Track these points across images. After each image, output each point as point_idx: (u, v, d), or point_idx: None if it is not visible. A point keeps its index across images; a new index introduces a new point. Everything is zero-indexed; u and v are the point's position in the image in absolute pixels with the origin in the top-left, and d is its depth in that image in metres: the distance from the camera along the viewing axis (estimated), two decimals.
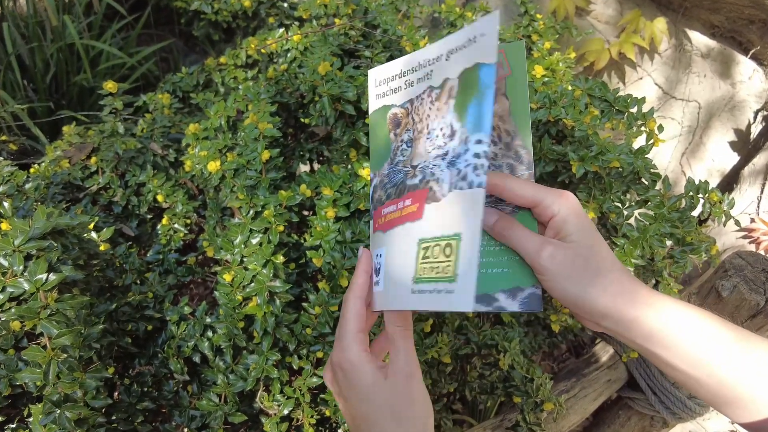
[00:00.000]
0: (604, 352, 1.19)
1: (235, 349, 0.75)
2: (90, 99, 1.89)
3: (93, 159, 0.94)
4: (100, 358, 0.69)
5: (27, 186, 0.83)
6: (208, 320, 0.78)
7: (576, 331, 1.22)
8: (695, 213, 1.48)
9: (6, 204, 0.72)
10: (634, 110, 0.84)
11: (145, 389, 0.75)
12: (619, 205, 0.83)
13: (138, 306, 0.78)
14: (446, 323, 0.91)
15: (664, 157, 1.58)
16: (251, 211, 0.77)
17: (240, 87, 0.96)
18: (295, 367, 0.77)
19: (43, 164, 0.97)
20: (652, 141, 0.83)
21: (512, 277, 0.47)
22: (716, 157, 1.60)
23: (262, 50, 0.98)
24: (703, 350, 0.40)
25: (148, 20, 2.23)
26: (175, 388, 0.77)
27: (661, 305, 0.41)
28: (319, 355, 0.77)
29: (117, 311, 0.76)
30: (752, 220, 1.40)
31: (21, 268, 0.59)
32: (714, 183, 1.63)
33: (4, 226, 0.68)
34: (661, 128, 0.84)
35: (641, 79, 1.48)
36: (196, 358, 0.76)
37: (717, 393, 0.40)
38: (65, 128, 1.15)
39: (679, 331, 0.41)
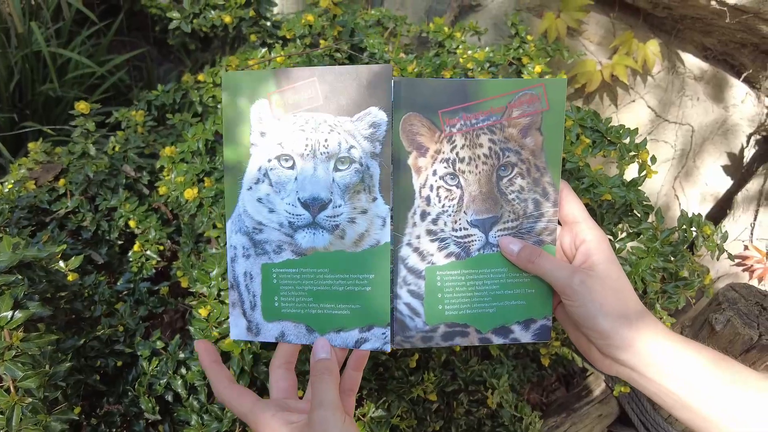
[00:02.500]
0: (595, 386, 1.21)
1: (210, 388, 0.75)
2: (56, 110, 1.88)
3: (61, 181, 0.94)
4: (66, 398, 0.68)
5: None
6: (182, 355, 0.78)
7: (565, 363, 1.24)
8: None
9: None
10: (626, 141, 0.86)
11: (114, 430, 0.75)
12: (611, 237, 0.85)
13: (107, 340, 0.77)
14: (433, 358, 0.92)
15: (656, 181, 1.63)
16: None
17: (219, 107, 0.97)
18: None
19: (7, 185, 0.97)
20: (644, 173, 0.86)
21: (527, 309, 0.53)
22: (710, 181, 1.64)
23: (243, 69, 0.99)
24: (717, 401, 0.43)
25: (120, 27, 2.23)
26: (146, 429, 0.76)
27: (683, 348, 0.45)
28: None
29: (85, 346, 0.75)
30: (746, 248, 1.45)
31: None
32: (708, 207, 1.67)
33: None
34: (654, 159, 0.87)
35: (634, 101, 1.52)
36: (169, 397, 0.76)
37: None
38: (31, 145, 1.14)
39: (695, 374, 0.44)
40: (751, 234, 1.46)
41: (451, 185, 0.51)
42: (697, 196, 1.65)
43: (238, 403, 0.49)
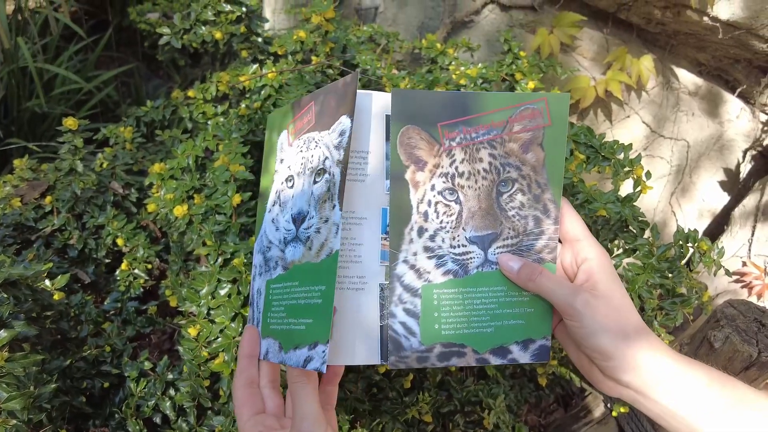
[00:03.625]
0: (593, 406, 1.22)
1: (200, 409, 0.75)
2: (42, 126, 1.89)
3: (48, 198, 0.94)
4: (50, 420, 0.68)
5: None
6: (170, 376, 0.78)
7: (563, 383, 1.24)
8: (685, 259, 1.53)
9: None
10: (620, 156, 0.88)
11: None
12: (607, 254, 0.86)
13: (94, 361, 0.77)
14: (428, 378, 0.92)
15: (653, 197, 1.65)
16: (220, 259, 0.78)
17: (209, 123, 0.98)
18: None
19: None
20: (639, 188, 0.87)
21: (526, 329, 0.52)
22: (706, 197, 1.67)
23: (226, 87, 1.01)
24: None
25: (109, 42, 2.25)
26: None
27: (686, 368, 0.46)
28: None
29: (71, 367, 0.75)
30: (744, 264, 1.46)
31: None
32: (705, 224, 1.69)
33: None
34: (648, 175, 0.89)
35: (628, 117, 1.55)
36: (157, 419, 0.76)
37: None
38: (17, 162, 1.14)
39: (700, 395, 0.45)
40: (749, 250, 1.48)
41: (450, 200, 0.52)
42: (694, 212, 1.68)
43: (239, 410, 0.49)
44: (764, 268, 1.45)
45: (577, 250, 0.50)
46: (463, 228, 0.52)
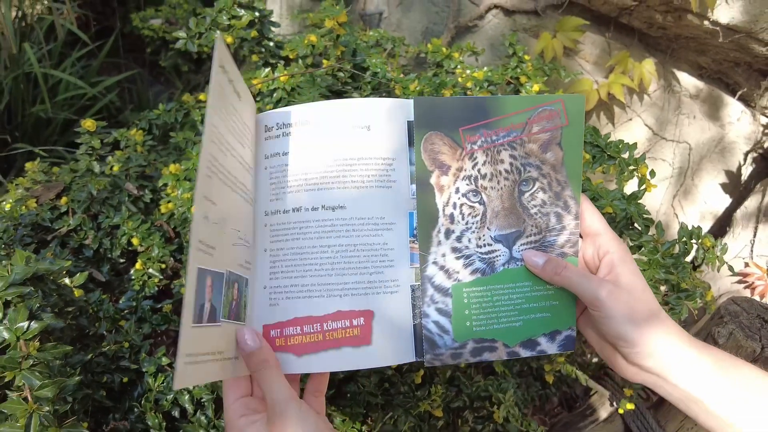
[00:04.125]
0: (599, 405, 1.25)
1: (217, 402, 0.78)
2: (47, 131, 1.92)
3: (63, 199, 0.98)
4: (73, 413, 0.71)
5: None
6: None
7: (569, 382, 1.27)
8: (689, 258, 1.57)
9: None
10: (625, 155, 0.92)
11: None
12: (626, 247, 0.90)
13: (113, 356, 0.80)
14: (437, 374, 0.95)
15: (655, 199, 1.68)
16: None
17: None
18: None
19: (5, 204, 1.00)
20: (644, 186, 0.91)
21: (552, 321, 0.56)
22: (708, 199, 1.70)
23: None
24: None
25: (111, 49, 2.29)
26: None
27: (707, 354, 0.50)
28: None
29: (91, 362, 0.78)
30: (746, 265, 1.50)
31: (0, 315, 0.62)
32: (707, 226, 1.73)
33: None
34: (653, 173, 0.93)
35: (631, 119, 1.59)
36: (176, 413, 0.79)
37: None
38: (28, 165, 1.18)
39: (718, 381, 0.49)
40: (751, 251, 1.52)
41: (474, 202, 0.55)
42: (696, 215, 1.71)
43: (225, 392, 0.53)
44: (766, 269, 1.48)
45: (598, 244, 0.54)
46: (488, 227, 0.55)
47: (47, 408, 0.59)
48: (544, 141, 0.55)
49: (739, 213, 1.59)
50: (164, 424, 0.78)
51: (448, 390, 0.93)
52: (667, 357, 0.49)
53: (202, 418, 0.77)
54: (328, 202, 0.54)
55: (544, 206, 0.55)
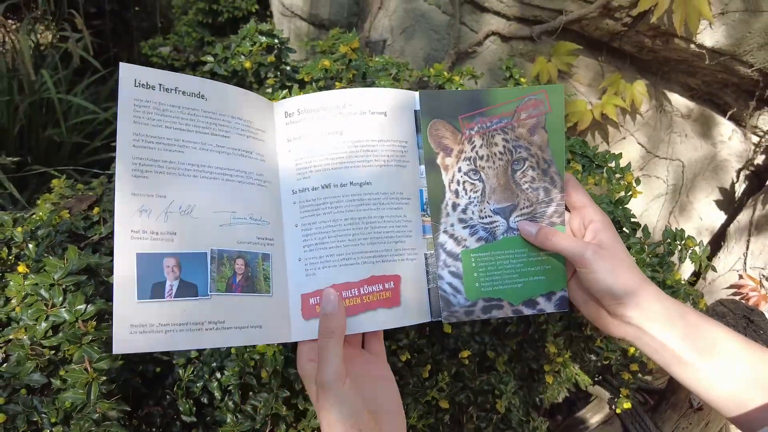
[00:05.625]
0: (598, 408, 1.35)
1: (243, 389, 0.90)
2: (59, 154, 2.06)
3: (96, 209, 1.10)
4: (115, 395, 0.82)
5: (39, 232, 0.98)
6: (214, 364, 0.93)
7: (569, 386, 1.38)
8: (689, 272, 1.70)
9: (30, 246, 0.88)
10: (612, 165, 1.05)
11: (153, 429, 0.88)
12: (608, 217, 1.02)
13: None
14: (442, 371, 1.06)
15: (652, 216, 1.82)
16: None
17: None
18: (300, 407, 0.91)
19: (41, 213, 1.13)
20: (630, 192, 1.04)
21: (547, 283, 0.68)
22: (704, 216, 1.84)
23: None
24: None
25: (113, 74, 2.45)
26: (182, 430, 0.90)
27: (683, 309, 0.61)
28: None
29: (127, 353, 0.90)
30: (740, 277, 1.62)
31: (61, 299, 0.75)
32: (704, 242, 1.86)
33: (21, 269, 0.83)
34: (638, 181, 1.06)
35: (624, 138, 1.73)
36: (204, 399, 0.90)
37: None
38: (55, 182, 1.31)
39: (691, 331, 0.60)
40: (745, 263, 1.64)
41: (474, 179, 0.67)
42: (692, 231, 1.84)
43: (300, 346, 0.63)
44: (759, 281, 1.60)
45: (583, 215, 0.66)
46: (487, 201, 0.67)
47: (104, 378, 0.71)
48: (531, 126, 0.68)
49: (732, 227, 1.72)
50: (194, 409, 0.90)
51: (454, 384, 1.05)
52: (646, 306, 0.60)
53: (230, 403, 0.88)
54: (356, 178, 0.65)
55: (534, 182, 0.68)
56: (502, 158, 0.68)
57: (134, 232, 0.57)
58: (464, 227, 0.68)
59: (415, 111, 0.68)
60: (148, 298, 0.57)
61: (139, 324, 0.55)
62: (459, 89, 0.71)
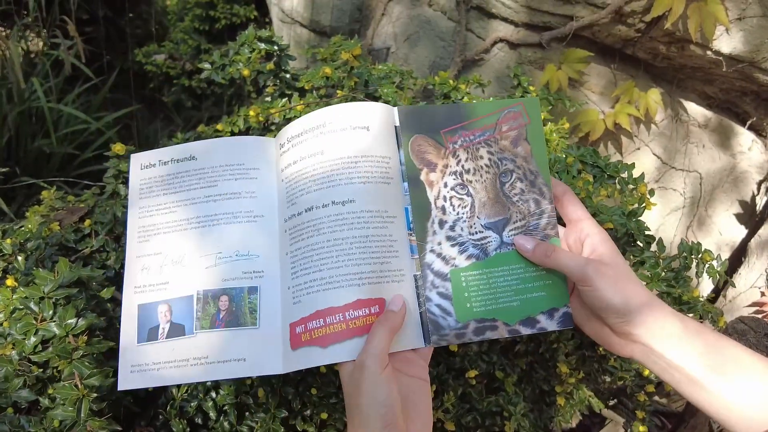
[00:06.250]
0: None
1: (239, 409, 0.90)
2: (48, 165, 2.09)
3: (87, 222, 1.12)
4: (108, 410, 0.83)
5: (29, 245, 0.99)
6: (209, 383, 0.94)
7: (582, 409, 1.38)
8: (708, 289, 1.70)
9: (20, 258, 0.89)
10: (624, 175, 1.06)
11: None
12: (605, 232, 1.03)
13: None
14: (448, 392, 1.07)
15: (669, 230, 1.82)
16: None
17: None
18: (299, 428, 0.91)
19: (28, 226, 1.15)
20: (644, 204, 1.05)
21: (548, 299, 0.68)
22: (723, 230, 1.84)
23: (260, 118, 1.21)
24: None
25: (111, 84, 2.48)
26: None
27: (690, 325, 0.61)
28: (323, 416, 0.92)
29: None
30: (762, 294, 1.62)
31: (51, 313, 0.76)
32: (724, 257, 1.86)
33: (9, 282, 0.85)
34: (652, 192, 1.07)
35: (639, 149, 1.75)
36: (199, 419, 0.91)
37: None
38: (45, 193, 1.33)
39: (701, 350, 0.60)
40: (767, 280, 1.64)
41: (462, 194, 0.68)
42: (712, 246, 1.85)
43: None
44: None
45: (579, 229, 0.67)
46: (477, 216, 0.68)
47: (95, 395, 0.72)
48: (514, 137, 0.70)
49: (753, 242, 1.73)
50: (188, 430, 0.90)
51: (460, 406, 1.05)
52: (653, 323, 0.61)
53: (225, 423, 0.89)
54: (337, 197, 0.66)
55: (524, 194, 0.69)
56: (489, 171, 0.69)
57: (137, 288, 0.70)
58: (453, 245, 0.68)
59: (396, 126, 0.70)
60: (145, 341, 0.68)
61: (137, 364, 0.67)
62: (438, 104, 0.74)
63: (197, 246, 0.71)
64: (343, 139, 0.68)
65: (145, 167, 0.75)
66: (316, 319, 0.64)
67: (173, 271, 0.70)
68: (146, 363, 0.67)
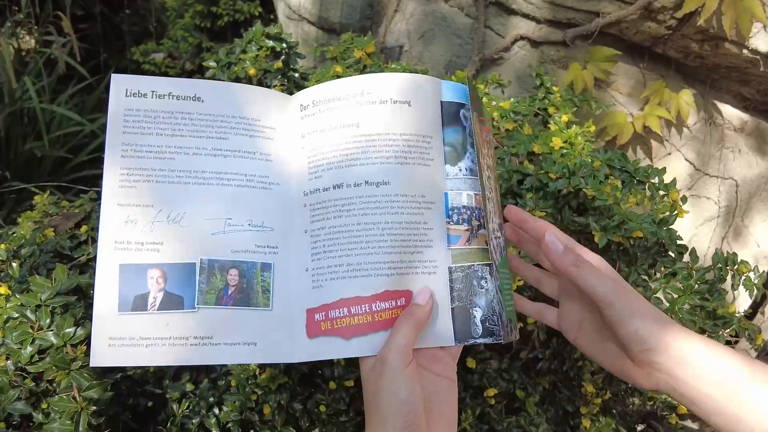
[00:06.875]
0: None
1: (244, 426, 0.91)
2: (39, 169, 2.12)
3: (83, 228, 1.14)
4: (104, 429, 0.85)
5: (23, 251, 1.01)
6: (212, 398, 0.95)
7: None
8: (746, 304, 1.70)
9: (14, 265, 0.91)
10: (655, 180, 1.07)
11: None
12: (647, 278, 1.04)
13: (139, 380, 0.94)
14: (466, 410, 1.07)
15: (702, 241, 1.82)
16: None
17: None
18: None
19: (23, 231, 1.17)
20: (675, 212, 1.06)
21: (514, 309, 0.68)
22: (761, 242, 1.84)
23: None
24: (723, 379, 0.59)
25: (103, 82, 2.51)
26: None
27: (718, 351, 0.59)
28: None
29: (118, 384, 0.92)
30: None
31: (48, 321, 0.77)
32: (762, 270, 1.86)
33: (3, 290, 0.86)
34: (684, 200, 1.07)
35: (669, 154, 1.75)
36: None
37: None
38: (38, 198, 1.35)
39: (731, 378, 0.58)
40: None
41: (491, 187, 0.72)
42: (749, 258, 1.84)
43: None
44: None
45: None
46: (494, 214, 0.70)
47: (94, 407, 0.73)
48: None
49: None
50: None
51: (478, 426, 1.06)
52: (679, 352, 0.59)
53: None
54: (371, 177, 0.64)
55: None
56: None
57: (118, 243, 0.61)
58: (496, 238, 0.68)
59: (442, 102, 0.68)
60: (129, 310, 0.60)
61: (118, 337, 0.59)
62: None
63: (202, 206, 0.65)
64: (382, 112, 0.66)
65: (132, 95, 0.65)
66: (340, 308, 0.63)
67: (169, 231, 0.63)
68: (130, 337, 0.59)
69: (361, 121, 0.66)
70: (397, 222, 0.64)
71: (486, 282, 0.66)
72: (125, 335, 0.59)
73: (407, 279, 0.64)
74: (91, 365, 0.57)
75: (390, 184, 0.65)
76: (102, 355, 0.58)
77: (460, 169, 0.67)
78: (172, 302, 0.61)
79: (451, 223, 0.67)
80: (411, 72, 1.52)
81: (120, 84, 0.65)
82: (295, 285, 0.65)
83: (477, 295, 0.65)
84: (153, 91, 0.66)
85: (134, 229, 0.62)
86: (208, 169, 0.65)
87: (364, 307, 0.62)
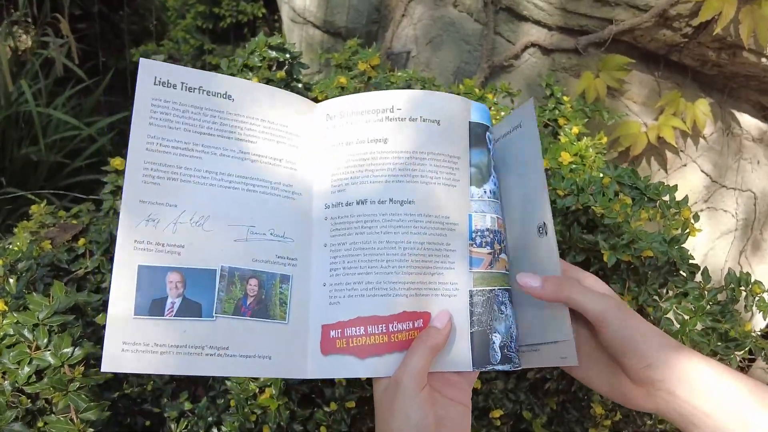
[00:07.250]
0: None
1: None
2: (35, 175, 2.15)
3: (81, 241, 1.16)
4: None
5: (19, 265, 1.04)
6: (210, 418, 0.97)
7: None
8: (761, 324, 1.71)
9: (11, 281, 0.93)
10: (666, 198, 1.09)
11: None
12: (657, 298, 1.05)
13: (137, 399, 0.97)
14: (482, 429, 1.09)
15: (719, 256, 1.83)
16: None
17: None
18: None
19: (18, 244, 1.19)
20: (687, 230, 1.07)
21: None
22: None
23: None
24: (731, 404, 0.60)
25: (101, 85, 2.54)
26: None
27: (721, 371, 0.60)
28: None
29: (115, 404, 0.95)
30: None
31: (45, 341, 0.80)
32: None
33: (0, 306, 0.89)
34: (697, 217, 1.09)
35: (685, 165, 1.77)
36: None
37: None
38: (34, 207, 1.38)
39: (734, 398, 0.59)
40: None
41: None
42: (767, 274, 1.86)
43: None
44: None
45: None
46: None
47: (91, 430, 0.76)
48: None
49: None
50: None
51: None
52: (681, 371, 0.60)
53: None
54: (396, 195, 0.65)
55: None
56: None
57: (138, 243, 0.60)
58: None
59: (470, 123, 0.70)
60: (146, 314, 0.59)
61: (132, 342, 0.58)
62: None
63: (227, 211, 0.65)
64: (411, 129, 0.67)
65: (161, 83, 0.64)
66: (357, 326, 0.64)
67: (191, 234, 0.63)
68: (145, 342, 0.58)
69: (389, 137, 0.67)
70: (419, 242, 0.65)
71: (505, 307, 0.67)
72: (140, 340, 0.58)
73: (426, 301, 0.65)
74: (102, 370, 0.57)
75: (414, 203, 0.66)
76: (114, 360, 0.57)
77: (485, 192, 0.69)
78: (190, 309, 0.61)
79: (474, 245, 0.68)
80: (417, 80, 1.55)
81: (149, 71, 0.64)
82: (312, 299, 0.66)
83: (497, 320, 0.66)
84: (183, 83, 0.65)
85: (155, 230, 0.62)
86: (235, 172, 0.66)
87: (381, 327, 0.63)
